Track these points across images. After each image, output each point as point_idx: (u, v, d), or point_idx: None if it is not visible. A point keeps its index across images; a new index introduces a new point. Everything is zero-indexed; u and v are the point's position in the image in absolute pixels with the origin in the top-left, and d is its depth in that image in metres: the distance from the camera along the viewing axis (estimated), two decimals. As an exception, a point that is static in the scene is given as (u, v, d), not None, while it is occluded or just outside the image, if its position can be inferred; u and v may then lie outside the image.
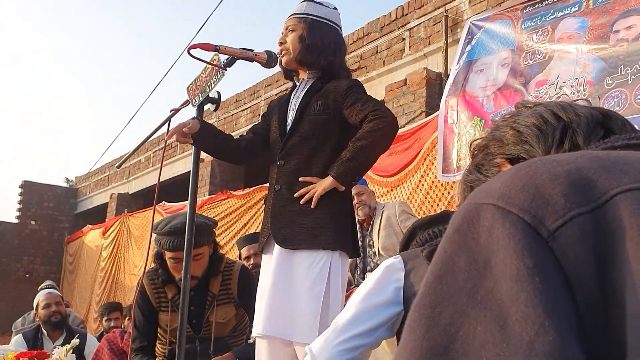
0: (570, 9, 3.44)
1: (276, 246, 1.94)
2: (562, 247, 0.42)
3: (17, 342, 3.72)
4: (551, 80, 3.39)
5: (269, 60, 1.99)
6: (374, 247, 3.39)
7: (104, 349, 2.97)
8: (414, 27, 5.34)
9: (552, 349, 0.38)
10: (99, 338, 4.02)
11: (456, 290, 0.43)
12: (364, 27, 5.92)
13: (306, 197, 1.91)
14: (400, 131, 3.67)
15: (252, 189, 6.50)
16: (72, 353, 2.73)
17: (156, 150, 9.97)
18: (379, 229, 3.35)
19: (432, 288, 0.45)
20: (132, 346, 2.54)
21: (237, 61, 1.97)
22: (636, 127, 0.69)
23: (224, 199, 6.83)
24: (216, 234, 2.84)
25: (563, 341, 0.39)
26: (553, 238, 0.42)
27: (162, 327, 2.59)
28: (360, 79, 5.68)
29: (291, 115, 2.03)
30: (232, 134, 8.12)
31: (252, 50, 1.98)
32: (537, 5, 3.67)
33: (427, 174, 4.26)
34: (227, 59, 1.94)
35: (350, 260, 3.33)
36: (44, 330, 3.79)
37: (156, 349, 2.64)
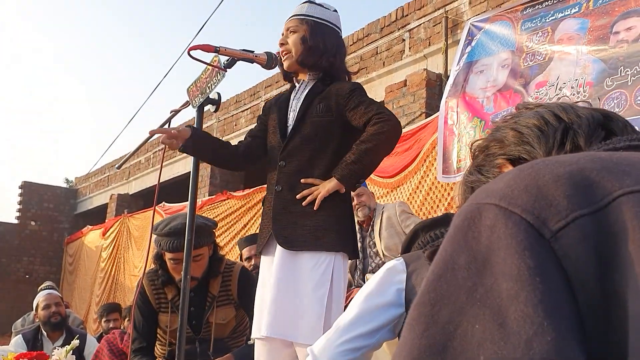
0: (570, 10, 3.45)
1: (278, 247, 1.93)
2: (564, 248, 0.42)
3: (16, 343, 3.72)
4: (551, 82, 3.39)
5: (269, 61, 1.99)
6: (374, 247, 3.40)
7: (103, 349, 2.97)
8: (414, 28, 5.34)
9: (550, 349, 0.38)
10: (99, 339, 4.02)
11: (455, 289, 0.43)
12: (364, 28, 5.92)
13: (309, 198, 1.91)
14: (400, 132, 3.66)
15: (251, 189, 6.50)
16: (72, 354, 2.73)
17: (156, 151, 9.97)
18: (379, 230, 3.36)
19: (431, 286, 0.45)
20: (132, 347, 2.54)
21: (237, 62, 1.97)
22: (637, 128, 0.69)
23: (224, 200, 6.83)
24: (216, 234, 2.84)
25: (562, 341, 0.39)
26: (555, 239, 0.42)
27: (161, 328, 2.59)
28: (360, 80, 5.69)
29: (292, 116, 2.03)
30: (232, 135, 8.15)
31: (252, 52, 1.98)
32: (537, 7, 3.67)
33: (427, 175, 4.26)
34: (227, 60, 1.94)
35: (350, 261, 3.34)
36: (43, 331, 3.79)
37: (156, 350, 2.64)
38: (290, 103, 2.06)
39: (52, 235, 12.70)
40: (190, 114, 10.16)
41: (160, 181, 2.20)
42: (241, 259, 3.94)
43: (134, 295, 2.46)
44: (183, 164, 9.07)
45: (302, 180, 1.94)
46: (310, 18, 2.01)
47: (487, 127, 3.69)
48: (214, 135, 2.15)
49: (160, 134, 1.95)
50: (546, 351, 0.38)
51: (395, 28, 5.55)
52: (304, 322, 1.85)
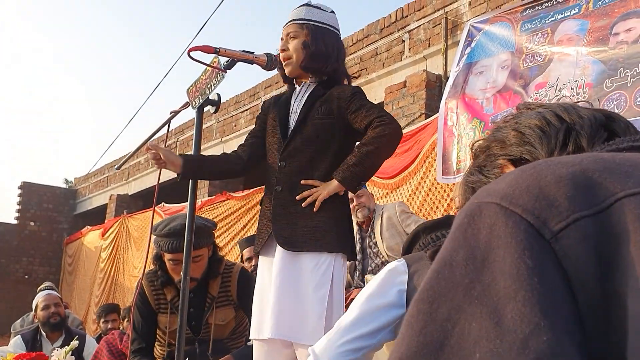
0: (570, 11, 3.45)
1: (278, 248, 1.93)
2: (564, 249, 0.42)
3: (16, 344, 3.71)
4: (551, 83, 3.39)
5: (269, 62, 1.99)
6: (374, 248, 3.40)
7: (103, 350, 2.97)
8: (414, 29, 5.34)
9: (545, 349, 0.38)
10: (98, 340, 4.02)
11: (453, 286, 0.43)
12: (363, 29, 5.92)
13: (309, 199, 1.91)
14: (399, 133, 3.66)
15: (251, 190, 6.49)
16: (71, 355, 2.73)
17: (156, 152, 9.95)
18: (381, 231, 3.36)
19: (430, 283, 0.45)
20: (131, 348, 2.53)
21: (237, 63, 1.97)
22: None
23: (223, 201, 6.83)
24: (215, 235, 2.84)
25: (557, 342, 0.39)
26: (556, 240, 0.42)
27: (161, 329, 2.59)
28: (360, 81, 5.70)
29: (293, 118, 2.03)
30: (232, 135, 8.15)
31: (252, 53, 1.98)
32: (536, 8, 3.67)
33: (427, 176, 4.26)
34: (227, 61, 1.95)
35: (349, 262, 3.34)
36: (43, 332, 3.78)
37: (155, 350, 2.64)
38: (292, 105, 2.06)
39: (51, 235, 12.70)
40: (190, 114, 10.17)
41: (160, 182, 2.20)
42: (242, 260, 3.94)
43: (134, 296, 2.46)
44: (182, 165, 9.06)
45: (302, 182, 1.95)
46: (310, 22, 2.00)
47: (486, 128, 3.69)
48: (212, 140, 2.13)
49: (152, 150, 1.98)
50: (541, 351, 0.38)
51: (395, 29, 5.55)
52: (305, 323, 1.85)
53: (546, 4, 3.60)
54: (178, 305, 2.07)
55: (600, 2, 3.27)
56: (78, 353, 3.32)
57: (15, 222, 12.51)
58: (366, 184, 4.01)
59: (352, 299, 2.96)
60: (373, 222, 3.44)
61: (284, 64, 2.03)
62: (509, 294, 0.40)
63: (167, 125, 2.14)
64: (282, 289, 1.89)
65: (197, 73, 2.08)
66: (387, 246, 3.31)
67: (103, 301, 8.58)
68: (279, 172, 1.99)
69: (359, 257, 3.45)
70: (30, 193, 12.67)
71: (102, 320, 5.05)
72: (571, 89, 3.24)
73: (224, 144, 8.25)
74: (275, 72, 2.16)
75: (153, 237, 2.50)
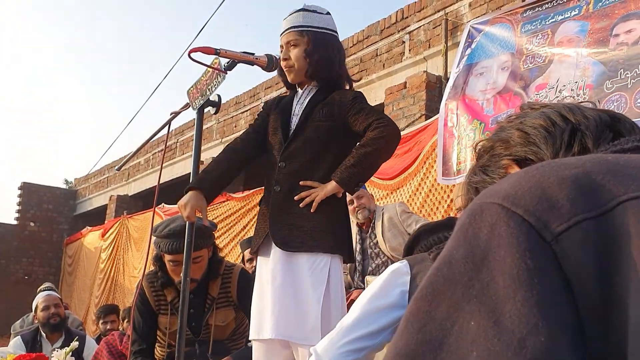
0: (570, 12, 3.45)
1: (275, 249, 1.94)
2: (565, 251, 0.42)
3: (15, 344, 3.71)
4: (551, 84, 3.39)
5: (270, 63, 1.99)
6: (375, 248, 3.40)
7: (103, 351, 2.97)
8: (414, 30, 5.35)
9: (542, 349, 0.38)
10: (97, 340, 4.02)
11: (452, 284, 0.43)
12: (364, 30, 5.93)
13: (306, 200, 1.92)
14: (400, 134, 3.67)
15: (251, 191, 6.49)
16: (71, 356, 2.73)
17: (155, 152, 9.97)
18: (383, 232, 3.37)
19: (430, 280, 0.45)
20: (131, 349, 2.54)
21: (238, 64, 1.97)
22: None
23: (223, 201, 6.83)
24: (215, 236, 2.84)
25: (554, 343, 0.39)
26: (556, 242, 0.42)
27: (161, 330, 2.59)
28: (360, 82, 5.69)
29: (294, 120, 2.04)
30: (232, 136, 8.14)
31: (253, 54, 1.99)
32: (537, 9, 3.67)
33: (427, 177, 4.26)
34: (227, 63, 1.95)
35: (349, 264, 3.34)
36: (42, 333, 3.78)
37: (155, 351, 2.64)
38: (293, 107, 2.07)
39: (51, 236, 12.70)
40: (189, 115, 10.16)
41: (160, 182, 2.20)
42: (243, 260, 3.94)
43: (134, 297, 2.46)
44: (182, 166, 9.08)
45: (300, 183, 1.95)
46: (310, 29, 2.01)
47: (486, 130, 3.69)
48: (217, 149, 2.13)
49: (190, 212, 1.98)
50: (538, 351, 0.38)
51: (395, 30, 5.55)
52: (303, 323, 1.86)
53: (546, 5, 3.61)
54: (178, 306, 2.07)
55: (600, 4, 3.27)
56: (78, 354, 3.31)
57: (15, 222, 12.51)
58: (366, 185, 4.01)
59: (352, 300, 2.97)
60: (373, 223, 3.44)
61: (286, 71, 2.04)
62: (508, 294, 0.40)
63: (167, 126, 2.14)
64: (280, 289, 1.89)
65: (198, 74, 2.08)
66: (390, 247, 3.32)
67: (103, 302, 8.58)
68: (278, 173, 2.00)
69: (359, 257, 3.45)
70: (30, 194, 12.67)
71: (101, 321, 5.05)
72: (571, 90, 3.24)
73: (224, 144, 8.22)
74: (275, 73, 2.16)
75: (153, 238, 2.50)
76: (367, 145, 1.91)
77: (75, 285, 11.05)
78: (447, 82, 4.35)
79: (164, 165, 2.59)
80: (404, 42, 5.44)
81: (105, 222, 10.50)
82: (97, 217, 11.84)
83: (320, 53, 1.99)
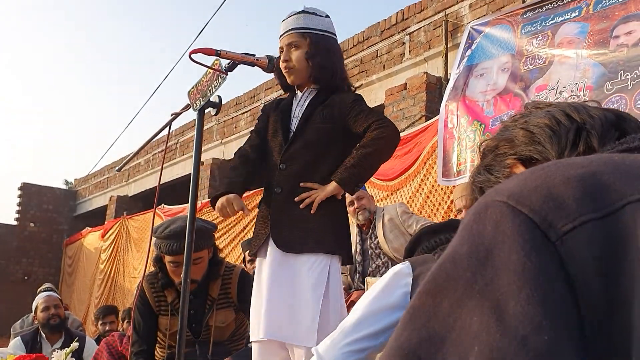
0: (571, 14, 3.45)
1: (271, 250, 1.94)
2: (570, 251, 0.41)
3: (15, 345, 3.71)
4: (551, 85, 3.39)
5: (270, 64, 1.99)
6: (375, 249, 3.41)
7: (103, 352, 2.97)
8: (414, 31, 5.35)
9: (545, 348, 0.38)
10: (97, 341, 4.01)
11: (455, 279, 0.43)
12: (364, 31, 5.93)
13: (306, 201, 1.93)
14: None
15: (251, 192, 6.49)
16: (72, 356, 2.73)
17: (155, 153, 9.97)
18: (384, 233, 3.37)
19: (433, 276, 0.45)
20: (132, 350, 2.53)
21: (238, 65, 1.97)
22: None
23: (224, 202, 6.82)
24: (215, 237, 2.84)
25: (558, 343, 0.38)
26: (561, 242, 0.42)
27: (161, 331, 2.59)
28: (360, 83, 5.69)
29: (294, 122, 2.05)
30: (232, 137, 8.15)
31: (254, 55, 1.98)
32: (537, 10, 3.68)
33: (427, 178, 4.26)
34: (228, 64, 1.95)
35: (349, 265, 3.34)
36: (42, 333, 3.78)
37: (155, 352, 2.64)
38: (293, 109, 2.08)
39: (51, 236, 12.70)
40: (189, 116, 10.17)
41: (160, 183, 2.20)
42: (244, 261, 3.94)
43: (134, 298, 2.46)
44: (182, 166, 9.08)
45: (301, 184, 1.96)
46: (312, 31, 2.01)
47: (487, 131, 3.69)
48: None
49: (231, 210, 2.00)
50: (541, 350, 0.38)
51: (396, 31, 5.55)
52: (299, 324, 1.86)
53: (547, 7, 3.61)
54: (178, 307, 2.07)
55: (600, 5, 3.28)
56: (78, 354, 3.31)
57: (15, 223, 12.51)
58: (366, 186, 4.01)
59: (352, 301, 2.97)
60: (374, 224, 3.44)
61: (285, 73, 2.04)
62: (512, 291, 0.40)
63: (168, 127, 2.14)
64: (275, 290, 1.90)
65: (198, 75, 2.08)
66: (392, 247, 3.33)
67: (103, 302, 8.58)
68: (279, 174, 2.00)
69: (359, 258, 3.46)
70: (30, 194, 12.67)
71: (99, 322, 5.05)
72: (571, 91, 3.25)
73: (224, 145, 8.25)
74: (276, 73, 2.16)
75: (153, 239, 2.50)
76: (367, 146, 1.92)
77: (75, 286, 11.05)
78: (447, 84, 4.35)
79: (164, 166, 2.59)
80: (404, 43, 5.44)
81: (105, 222, 10.50)
82: (97, 217, 11.85)
83: (322, 56, 2.00)
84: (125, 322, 4.90)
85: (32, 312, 4.15)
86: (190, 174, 2.06)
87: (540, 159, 0.69)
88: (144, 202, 10.57)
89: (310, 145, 1.99)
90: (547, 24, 3.56)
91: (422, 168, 4.32)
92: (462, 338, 0.40)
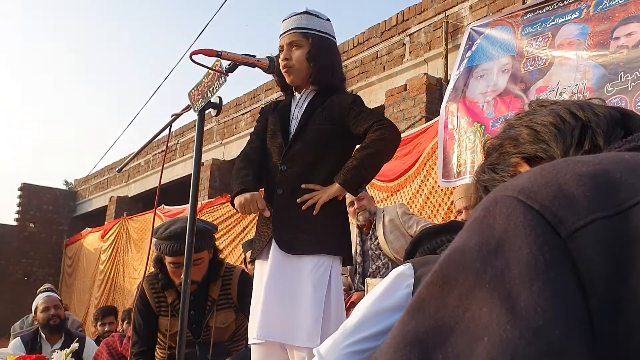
0: (571, 15, 3.45)
1: (273, 251, 1.94)
2: (580, 248, 0.41)
3: (15, 346, 3.70)
4: (551, 87, 3.40)
5: (271, 65, 2.00)
6: (376, 250, 3.41)
7: (103, 353, 2.97)
8: (415, 32, 5.35)
9: (557, 342, 0.38)
10: (96, 342, 4.01)
11: (464, 270, 0.43)
12: (364, 32, 5.93)
13: (309, 202, 1.93)
14: (400, 136, 3.67)
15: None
16: (71, 357, 2.73)
17: (155, 154, 9.97)
18: (384, 234, 3.37)
19: (441, 266, 0.45)
20: (132, 350, 2.53)
21: (239, 66, 1.97)
22: None
23: (224, 203, 6.83)
24: (216, 238, 2.84)
25: (569, 337, 0.38)
26: (572, 238, 0.42)
27: (161, 332, 2.59)
28: (360, 84, 5.70)
29: (294, 124, 2.05)
30: (232, 137, 8.15)
31: (254, 56, 1.99)
32: (537, 12, 3.68)
33: (427, 179, 4.26)
34: (229, 65, 1.95)
35: (349, 266, 3.34)
36: (42, 334, 3.77)
37: (155, 353, 2.64)
38: (292, 111, 2.08)
39: (51, 237, 12.70)
40: (189, 117, 10.18)
41: (160, 184, 2.20)
42: (245, 262, 3.94)
43: (134, 299, 2.46)
44: (182, 167, 9.08)
45: (302, 185, 1.96)
46: (315, 33, 2.01)
47: (487, 132, 3.70)
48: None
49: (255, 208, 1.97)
50: (552, 343, 0.38)
51: (396, 32, 5.56)
52: (300, 325, 1.86)
53: (547, 8, 3.61)
54: (179, 308, 2.07)
55: (601, 7, 3.28)
56: (78, 355, 3.31)
57: (15, 223, 12.51)
58: (367, 187, 4.01)
59: (353, 302, 2.97)
60: (374, 225, 3.45)
61: (284, 72, 2.04)
62: (523, 283, 0.40)
63: (168, 128, 2.14)
64: (275, 291, 1.90)
65: (198, 76, 2.08)
66: (392, 248, 3.33)
67: (102, 303, 8.57)
68: (280, 176, 2.00)
69: (359, 259, 3.46)
70: (30, 194, 12.67)
71: (98, 323, 5.04)
72: (572, 93, 3.25)
73: (224, 146, 8.25)
74: (276, 74, 2.16)
75: (154, 239, 2.50)
76: (368, 147, 1.92)
77: (75, 287, 11.05)
78: (447, 85, 4.35)
79: (164, 166, 2.60)
80: (404, 44, 5.45)
81: (105, 223, 10.50)
82: (97, 218, 11.85)
83: (324, 58, 2.01)
84: (125, 322, 4.90)
85: (31, 312, 4.14)
86: (190, 174, 2.06)
87: (545, 158, 0.69)
88: (144, 202, 10.57)
89: (310, 146, 1.99)
90: (548, 26, 3.57)
91: (422, 169, 4.32)
92: (471, 328, 0.40)
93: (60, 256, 12.38)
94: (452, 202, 3.78)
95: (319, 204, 1.92)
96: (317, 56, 2.00)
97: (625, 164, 0.47)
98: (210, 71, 2.00)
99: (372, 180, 4.54)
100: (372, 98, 5.57)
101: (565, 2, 3.50)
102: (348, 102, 2.01)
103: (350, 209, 3.28)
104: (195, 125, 2.10)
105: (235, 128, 7.97)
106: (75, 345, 2.73)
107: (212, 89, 1.99)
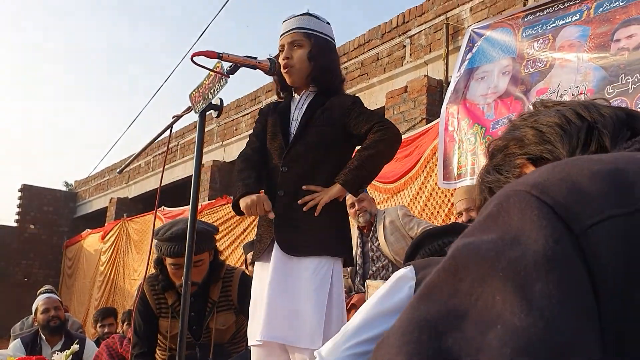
0: (572, 17, 3.45)
1: (275, 253, 1.94)
2: (592, 246, 0.41)
3: (15, 347, 3.70)
4: (552, 89, 3.40)
5: (272, 67, 2.00)
6: (376, 252, 3.41)
7: (103, 354, 2.97)
8: (415, 34, 5.36)
9: (571, 334, 0.38)
10: (96, 344, 4.01)
11: (478, 258, 0.42)
12: (365, 34, 5.93)
13: (310, 203, 1.93)
14: (401, 138, 3.67)
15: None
16: (71, 359, 2.73)
17: (156, 155, 9.97)
18: (385, 235, 3.37)
19: (453, 255, 0.44)
20: (132, 352, 2.53)
21: (240, 68, 1.97)
22: None
23: (224, 204, 6.83)
24: (216, 239, 2.84)
25: (583, 331, 0.38)
26: (584, 235, 0.41)
27: (162, 334, 2.59)
28: (360, 86, 5.70)
29: (294, 125, 2.05)
30: (233, 139, 8.15)
31: (255, 58, 1.99)
32: (538, 14, 3.68)
33: (428, 181, 4.26)
34: (230, 66, 1.95)
35: (350, 267, 3.34)
36: (42, 335, 3.77)
37: (156, 355, 2.63)
38: (292, 112, 2.08)
39: (51, 238, 12.69)
40: (189, 118, 10.17)
41: (160, 185, 2.20)
42: (245, 264, 3.93)
43: (134, 300, 2.46)
44: (182, 168, 9.08)
45: (303, 187, 1.96)
46: (317, 34, 2.02)
47: (487, 134, 3.70)
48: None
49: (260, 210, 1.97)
50: (567, 335, 0.38)
51: (396, 34, 5.56)
52: (301, 326, 1.86)
53: (548, 10, 3.61)
54: (179, 310, 2.07)
55: (601, 9, 3.28)
56: (78, 356, 3.31)
57: (15, 224, 12.51)
58: (367, 189, 4.01)
59: (353, 304, 2.97)
60: (375, 227, 3.44)
61: (284, 71, 2.04)
62: (539, 273, 0.40)
63: (169, 129, 2.14)
64: (277, 292, 1.90)
65: (198, 78, 2.08)
66: (393, 250, 3.33)
67: (102, 304, 8.57)
68: (281, 177, 2.00)
69: (359, 261, 3.46)
70: (31, 196, 12.67)
71: (98, 324, 5.04)
72: (572, 95, 3.25)
73: (225, 147, 8.26)
74: (276, 76, 2.16)
75: (155, 241, 2.50)
76: (369, 148, 1.93)
77: (75, 288, 11.04)
78: (447, 87, 4.35)
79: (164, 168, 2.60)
80: (405, 46, 5.45)
81: (106, 224, 10.50)
82: (97, 219, 11.85)
83: (324, 58, 2.01)
84: (125, 324, 4.89)
85: (32, 313, 4.14)
86: (190, 176, 2.07)
87: (550, 159, 0.68)
88: (144, 204, 10.57)
89: (311, 147, 2.00)
90: (548, 28, 3.57)
91: (423, 171, 4.32)
92: (484, 316, 0.40)
93: (61, 257, 12.38)
94: (452, 204, 3.78)
95: (320, 205, 1.92)
96: (318, 56, 2.00)
97: (638, 163, 0.46)
98: (211, 73, 2.00)
99: (373, 182, 4.54)
100: (373, 100, 5.57)
101: (565, 4, 3.50)
102: (348, 104, 2.02)
103: (350, 211, 3.28)
104: (195, 127, 2.10)
105: (236, 129, 7.97)
106: (75, 347, 2.73)
107: (213, 91, 1.99)
